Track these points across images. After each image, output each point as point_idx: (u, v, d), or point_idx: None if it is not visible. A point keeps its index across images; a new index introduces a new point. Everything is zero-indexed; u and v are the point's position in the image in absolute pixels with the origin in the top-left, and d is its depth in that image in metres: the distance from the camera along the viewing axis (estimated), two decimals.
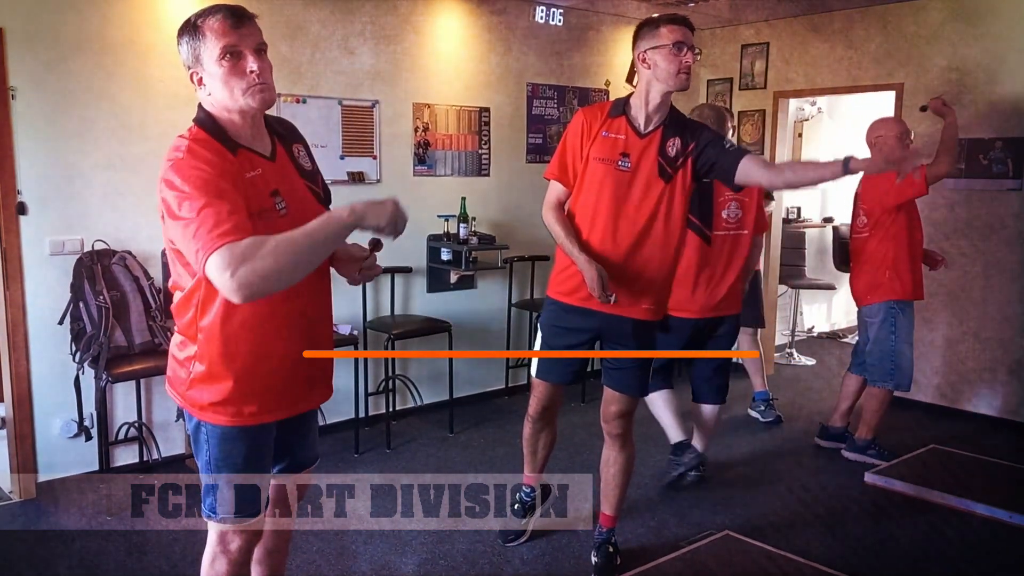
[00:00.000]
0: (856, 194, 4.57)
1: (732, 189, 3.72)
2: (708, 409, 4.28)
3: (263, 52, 2.02)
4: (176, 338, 2.17)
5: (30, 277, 3.91)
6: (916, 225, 4.43)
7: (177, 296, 2.11)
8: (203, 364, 2.09)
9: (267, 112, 2.17)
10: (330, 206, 2.32)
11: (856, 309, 4.77)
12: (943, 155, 4.29)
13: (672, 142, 2.97)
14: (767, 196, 5.27)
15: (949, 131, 4.33)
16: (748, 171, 2.84)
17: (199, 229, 1.81)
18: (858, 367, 4.73)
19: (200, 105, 2.07)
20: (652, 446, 4.75)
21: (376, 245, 2.13)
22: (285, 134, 2.24)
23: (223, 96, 2.00)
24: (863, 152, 7.59)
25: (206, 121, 2.03)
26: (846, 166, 2.54)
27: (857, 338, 4.87)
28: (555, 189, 3.10)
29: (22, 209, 3.86)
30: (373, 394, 5.06)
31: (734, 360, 6.16)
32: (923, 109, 4.60)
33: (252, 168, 2.04)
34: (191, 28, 2.00)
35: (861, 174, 4.53)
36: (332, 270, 2.30)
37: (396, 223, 1.94)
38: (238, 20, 1.98)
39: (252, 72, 1.98)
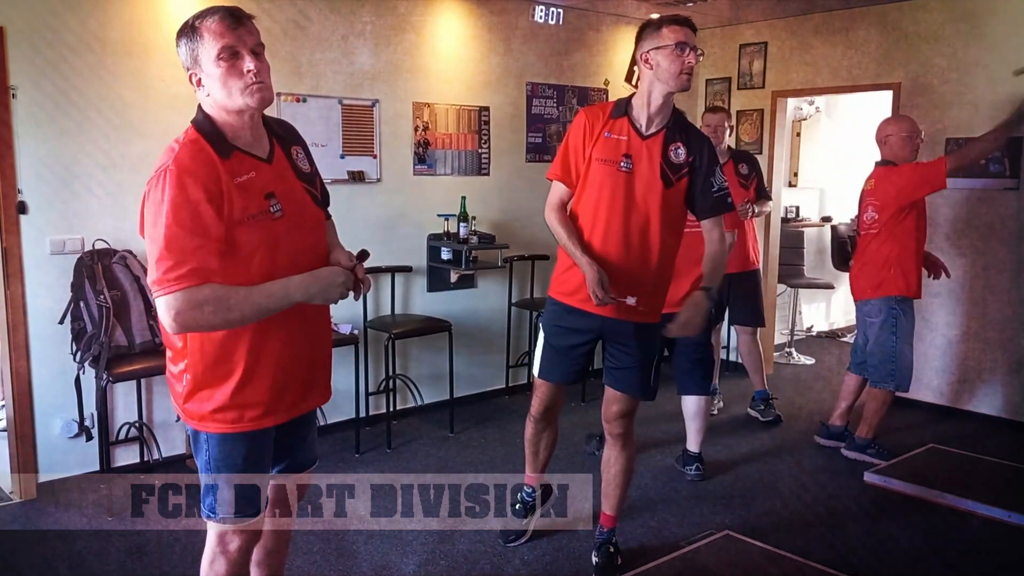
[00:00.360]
0: (863, 191, 4.56)
1: None
2: (693, 401, 4.31)
3: (261, 53, 2.04)
4: (168, 352, 2.18)
5: (30, 277, 3.90)
6: (922, 225, 4.44)
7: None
8: (198, 374, 2.10)
9: (267, 114, 2.18)
10: (328, 208, 2.35)
11: (854, 308, 4.76)
12: (965, 153, 4.35)
13: (676, 147, 2.98)
14: (763, 197, 5.27)
15: (988, 142, 4.39)
16: (705, 228, 3.09)
17: (160, 261, 1.91)
18: (857, 366, 4.73)
19: (199, 106, 2.08)
20: (653, 447, 4.77)
21: (363, 255, 2.22)
22: (284, 136, 2.24)
23: (221, 96, 2.00)
24: (862, 149, 7.59)
25: (203, 123, 2.04)
26: (706, 293, 2.96)
27: (855, 337, 4.86)
28: (557, 189, 3.10)
29: (22, 208, 3.86)
30: (374, 394, 5.06)
31: (733, 359, 6.19)
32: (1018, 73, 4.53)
33: (245, 171, 2.04)
34: (189, 30, 2.01)
35: (871, 169, 4.55)
36: None
37: (345, 296, 2.15)
38: (236, 21, 1.99)
39: (249, 71, 1.98)
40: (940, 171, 4.21)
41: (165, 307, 1.91)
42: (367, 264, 2.23)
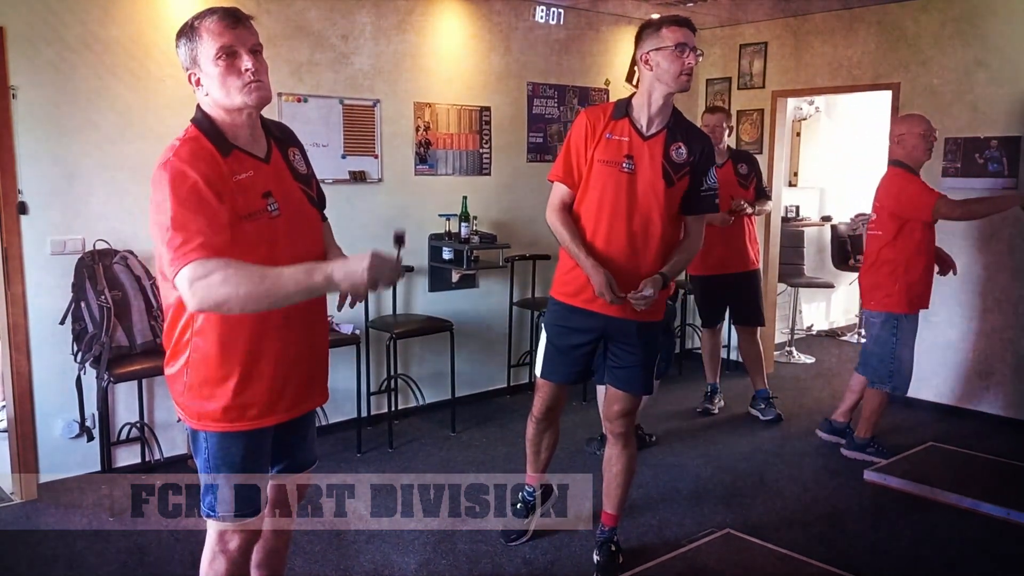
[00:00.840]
0: (876, 190, 4.52)
1: None
2: None
3: (259, 52, 2.05)
4: (169, 349, 2.18)
5: (31, 277, 3.90)
6: (931, 236, 4.40)
7: (169, 307, 2.13)
8: (197, 373, 2.11)
9: (265, 115, 2.20)
10: (324, 210, 2.36)
11: (855, 306, 4.76)
12: (972, 205, 4.37)
13: (677, 147, 2.99)
14: (763, 197, 5.28)
15: (997, 204, 4.41)
16: (685, 221, 3.11)
17: (170, 242, 1.89)
18: (863, 366, 4.71)
19: (198, 106, 2.09)
20: (654, 445, 4.77)
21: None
22: (282, 137, 2.26)
23: (220, 95, 2.02)
24: (861, 148, 7.59)
25: (203, 122, 2.06)
26: (662, 278, 2.98)
27: (864, 337, 4.83)
28: (559, 191, 3.11)
29: (23, 209, 3.85)
30: (375, 393, 5.06)
31: (734, 358, 6.20)
32: None
33: (243, 170, 2.06)
34: (188, 30, 2.03)
35: (879, 171, 4.52)
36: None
37: (376, 288, 1.93)
38: (234, 21, 2.01)
39: (247, 70, 2.00)
40: (928, 206, 4.21)
41: (183, 281, 1.87)
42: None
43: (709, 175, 3.07)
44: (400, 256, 1.96)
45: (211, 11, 2.02)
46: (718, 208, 3.20)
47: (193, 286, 1.86)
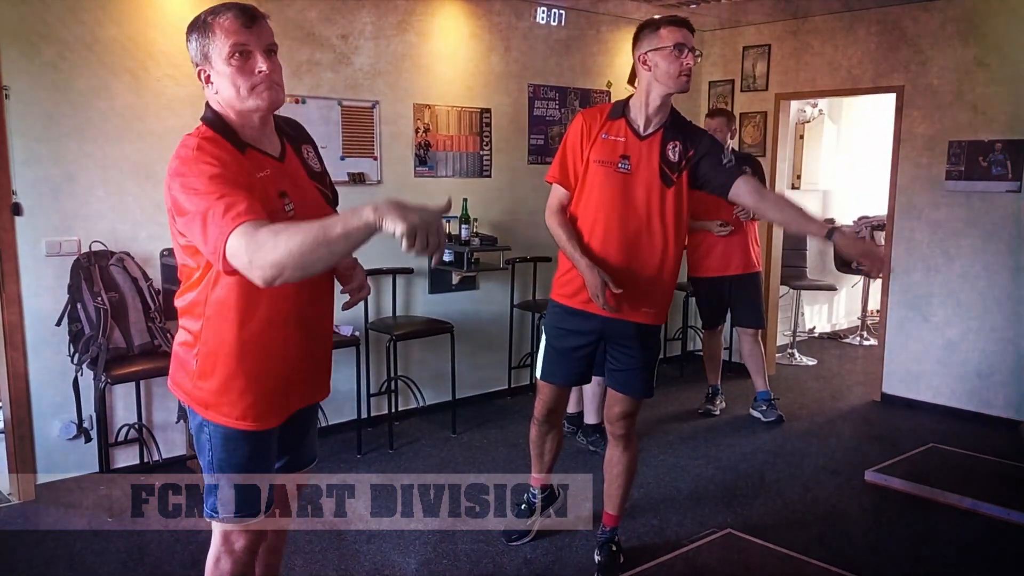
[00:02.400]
0: None
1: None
2: (601, 381, 4.18)
3: (274, 53, 2.00)
4: (180, 335, 2.15)
5: (27, 278, 3.89)
6: None
7: (184, 296, 2.10)
8: (207, 359, 2.08)
9: (277, 113, 2.15)
10: (337, 207, 2.33)
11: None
12: None
13: (673, 145, 2.97)
14: None
15: None
16: (739, 194, 2.97)
17: (211, 219, 1.78)
18: None
19: (207, 104, 2.05)
20: (655, 446, 4.76)
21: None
22: (294, 135, 2.22)
23: (230, 95, 1.98)
24: (864, 150, 7.58)
25: (214, 120, 2.01)
26: (829, 235, 2.70)
27: None
28: (557, 193, 3.11)
29: (17, 210, 3.83)
30: (375, 395, 5.05)
31: (735, 360, 6.18)
32: None
33: (260, 169, 2.02)
34: (201, 25, 1.97)
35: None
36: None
37: (427, 235, 1.63)
38: (250, 19, 1.96)
39: (261, 72, 1.95)
40: None
41: (235, 251, 1.73)
42: (371, 265, 2.19)
43: (725, 154, 3.00)
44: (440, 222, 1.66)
45: (226, 7, 1.96)
46: (745, 172, 3.03)
47: (248, 249, 1.71)
